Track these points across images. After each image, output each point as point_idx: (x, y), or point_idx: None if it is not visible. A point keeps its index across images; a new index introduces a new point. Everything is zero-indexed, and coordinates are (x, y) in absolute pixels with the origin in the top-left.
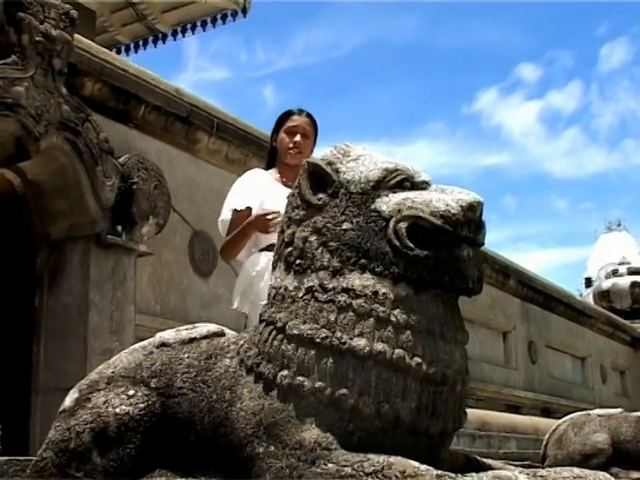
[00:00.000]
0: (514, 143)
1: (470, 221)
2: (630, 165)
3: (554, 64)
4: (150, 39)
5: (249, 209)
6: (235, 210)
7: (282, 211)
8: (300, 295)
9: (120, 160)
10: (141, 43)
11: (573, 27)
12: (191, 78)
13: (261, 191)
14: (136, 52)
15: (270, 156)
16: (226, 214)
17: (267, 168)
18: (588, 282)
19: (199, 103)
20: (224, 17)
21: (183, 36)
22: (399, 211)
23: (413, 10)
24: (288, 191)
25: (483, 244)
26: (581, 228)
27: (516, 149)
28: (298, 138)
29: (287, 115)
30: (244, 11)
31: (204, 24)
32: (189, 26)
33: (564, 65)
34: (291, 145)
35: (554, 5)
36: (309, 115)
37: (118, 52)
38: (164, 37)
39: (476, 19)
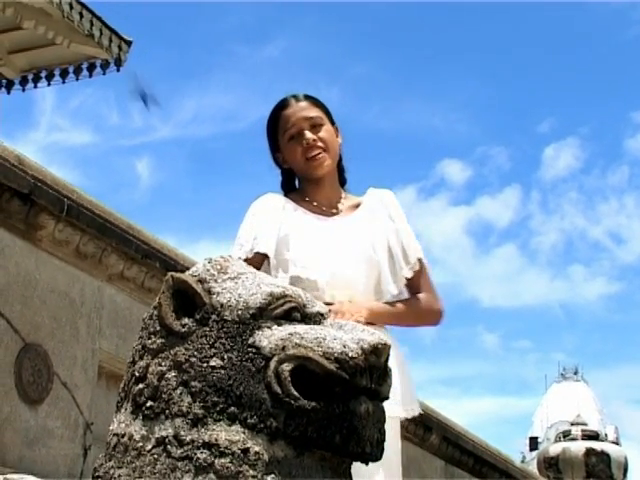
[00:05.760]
0: (434, 259)
1: (372, 368)
2: (578, 298)
3: (486, 164)
4: None
5: (261, 255)
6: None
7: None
8: (148, 447)
9: None
10: None
11: (512, 120)
12: (43, 140)
13: (285, 228)
14: None
15: (286, 183)
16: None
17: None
18: (533, 443)
19: (47, 177)
20: (91, 68)
21: (35, 86)
22: (283, 349)
23: (336, 79)
24: (329, 221)
25: (387, 398)
26: (521, 372)
27: (436, 266)
28: (309, 135)
29: (276, 116)
30: (118, 63)
31: (64, 73)
32: (44, 74)
33: (499, 167)
34: (305, 148)
35: (491, 90)
36: (307, 97)
37: None
38: (9, 85)
39: (411, 97)
